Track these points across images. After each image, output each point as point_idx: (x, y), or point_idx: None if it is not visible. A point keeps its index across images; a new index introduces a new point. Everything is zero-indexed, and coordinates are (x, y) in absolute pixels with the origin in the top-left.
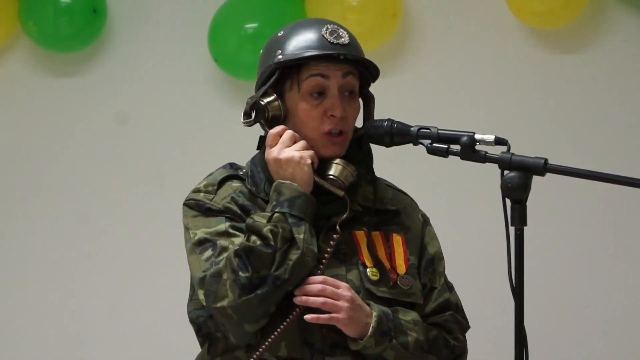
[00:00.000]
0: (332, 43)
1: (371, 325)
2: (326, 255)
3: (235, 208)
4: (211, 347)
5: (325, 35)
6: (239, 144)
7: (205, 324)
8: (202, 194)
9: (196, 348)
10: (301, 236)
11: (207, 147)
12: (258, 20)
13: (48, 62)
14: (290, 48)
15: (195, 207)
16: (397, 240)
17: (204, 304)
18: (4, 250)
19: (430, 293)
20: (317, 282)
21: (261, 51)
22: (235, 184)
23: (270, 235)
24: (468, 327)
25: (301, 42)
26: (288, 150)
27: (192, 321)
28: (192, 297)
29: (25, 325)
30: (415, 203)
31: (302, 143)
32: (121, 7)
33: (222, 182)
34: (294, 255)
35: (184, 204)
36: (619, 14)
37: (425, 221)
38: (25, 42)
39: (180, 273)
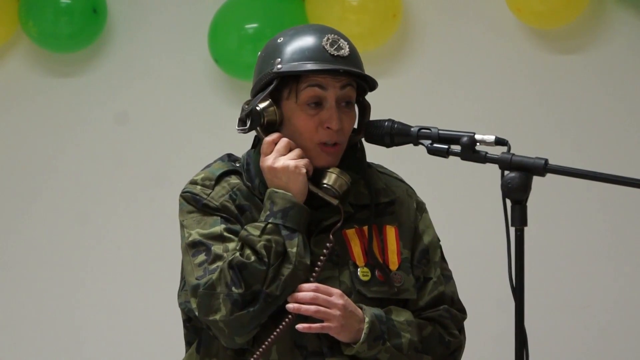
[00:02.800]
0: (333, 55)
1: (363, 332)
2: (319, 263)
3: (232, 208)
4: (201, 347)
5: (325, 47)
6: (239, 144)
7: (197, 317)
8: (199, 187)
9: None
10: (294, 250)
11: (207, 147)
12: (258, 20)
13: (48, 62)
14: (289, 57)
15: (192, 201)
16: (391, 232)
17: (196, 313)
18: (4, 250)
19: (424, 285)
20: (309, 290)
21: (259, 53)
22: (234, 180)
23: (264, 252)
24: (464, 318)
25: (301, 51)
26: (283, 159)
27: (184, 312)
28: (184, 288)
29: (26, 325)
30: (411, 189)
31: (297, 151)
32: (121, 7)
33: (220, 178)
34: (286, 270)
35: (181, 196)
36: (619, 14)
37: (420, 209)
38: (25, 42)
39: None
